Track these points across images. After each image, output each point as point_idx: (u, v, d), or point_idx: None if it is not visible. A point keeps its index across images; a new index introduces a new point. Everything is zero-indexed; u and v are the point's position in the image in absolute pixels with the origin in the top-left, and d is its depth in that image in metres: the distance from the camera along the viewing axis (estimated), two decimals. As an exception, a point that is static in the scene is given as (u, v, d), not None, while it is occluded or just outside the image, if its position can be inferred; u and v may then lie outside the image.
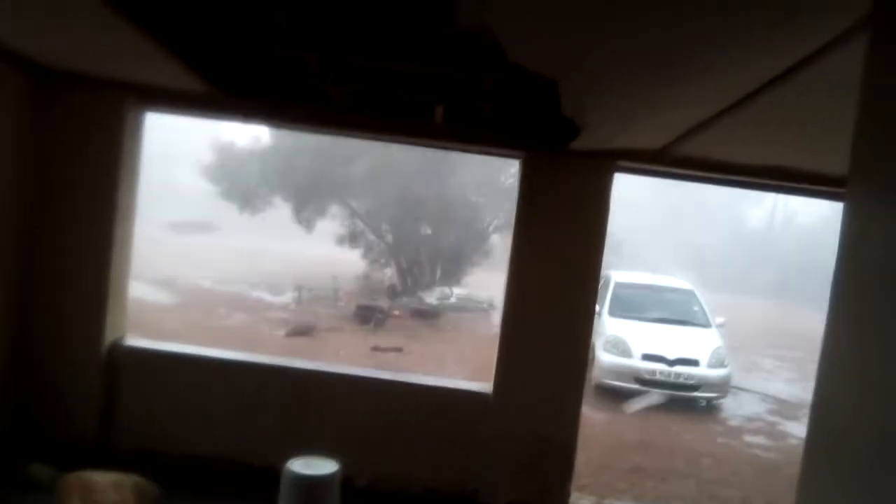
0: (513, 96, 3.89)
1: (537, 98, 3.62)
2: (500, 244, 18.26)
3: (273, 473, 3.89)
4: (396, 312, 16.52)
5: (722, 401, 11.11)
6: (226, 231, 29.72)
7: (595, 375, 11.06)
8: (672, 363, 10.75)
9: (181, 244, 25.54)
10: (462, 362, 12.49)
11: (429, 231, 19.68)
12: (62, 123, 4.76)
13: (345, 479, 3.90)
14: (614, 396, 10.67)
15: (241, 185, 18.40)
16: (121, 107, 4.76)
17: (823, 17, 2.02)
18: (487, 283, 17.66)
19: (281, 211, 19.17)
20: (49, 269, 4.83)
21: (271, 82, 4.27)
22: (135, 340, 5.16)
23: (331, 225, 20.49)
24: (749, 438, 9.61)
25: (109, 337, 4.91)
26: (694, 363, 10.82)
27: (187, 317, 14.01)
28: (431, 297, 18.20)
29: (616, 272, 13.80)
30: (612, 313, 12.13)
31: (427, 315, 16.63)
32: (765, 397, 12.22)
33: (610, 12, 2.27)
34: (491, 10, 2.38)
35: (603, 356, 11.05)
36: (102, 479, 4.11)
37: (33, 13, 3.39)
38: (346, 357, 11.99)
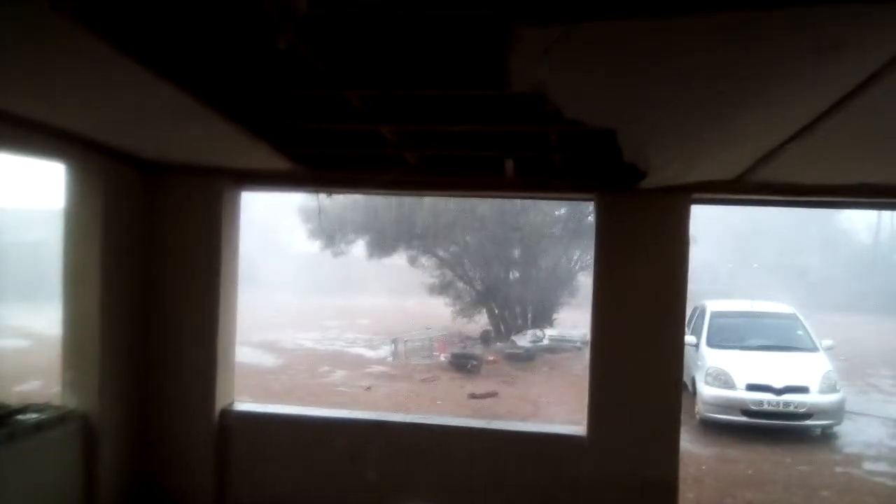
0: (579, 144, 4.03)
1: (603, 144, 3.75)
2: (587, 282, 18.19)
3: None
4: (491, 358, 16.62)
5: (837, 428, 10.53)
6: (324, 289, 30.95)
7: (699, 410, 10.77)
8: (780, 392, 10.31)
9: (283, 304, 26.57)
10: (561, 403, 12.39)
11: (517, 274, 19.78)
12: (168, 209, 5.20)
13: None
14: (721, 431, 10.32)
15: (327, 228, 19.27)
16: (219, 189, 5.16)
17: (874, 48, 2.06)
18: (578, 321, 17.52)
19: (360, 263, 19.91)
20: (163, 344, 5.22)
21: (351, 154, 4.58)
22: (243, 405, 5.49)
23: (420, 275, 20.95)
24: (870, 466, 9.08)
25: (220, 403, 5.25)
26: (803, 390, 10.34)
27: (294, 378, 14.53)
28: (524, 340, 18.19)
29: (711, 301, 13.45)
30: (710, 344, 11.81)
31: (521, 358, 16.63)
32: (885, 421, 11.50)
33: (656, 61, 2.39)
34: (542, 73, 2.55)
35: (705, 389, 10.76)
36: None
37: (143, 119, 3.81)
38: (444, 406, 12.13)
